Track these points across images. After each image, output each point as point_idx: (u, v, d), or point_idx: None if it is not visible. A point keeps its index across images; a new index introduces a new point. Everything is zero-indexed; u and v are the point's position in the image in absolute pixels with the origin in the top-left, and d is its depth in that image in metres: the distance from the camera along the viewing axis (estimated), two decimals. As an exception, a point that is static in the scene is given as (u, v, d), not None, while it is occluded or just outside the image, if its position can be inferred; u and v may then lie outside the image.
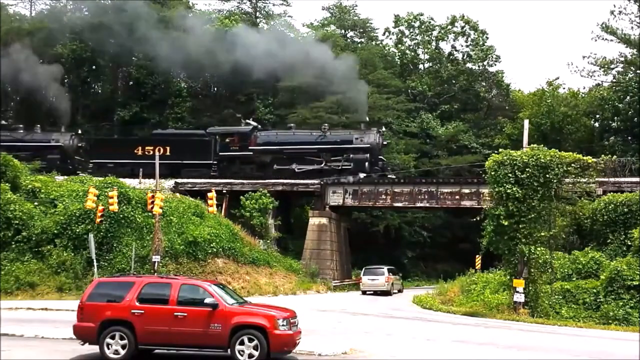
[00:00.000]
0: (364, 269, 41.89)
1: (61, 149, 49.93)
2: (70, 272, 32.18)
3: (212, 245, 35.77)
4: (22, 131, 51.46)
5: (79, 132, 52.59)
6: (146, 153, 47.89)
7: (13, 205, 33.43)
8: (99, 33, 60.70)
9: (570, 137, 56.31)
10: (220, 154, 48.51)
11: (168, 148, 47.90)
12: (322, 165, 46.30)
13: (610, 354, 18.52)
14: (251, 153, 48.10)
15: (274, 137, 48.33)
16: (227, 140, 48.78)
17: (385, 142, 49.22)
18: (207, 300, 14.55)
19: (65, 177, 42.33)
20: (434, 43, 75.69)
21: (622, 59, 53.70)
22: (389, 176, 47.16)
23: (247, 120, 52.37)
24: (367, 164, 45.71)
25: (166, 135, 51.31)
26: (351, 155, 46.02)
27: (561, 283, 29.48)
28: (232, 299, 15.32)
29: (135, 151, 48.77)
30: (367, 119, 52.02)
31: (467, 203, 42.93)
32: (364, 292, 39.99)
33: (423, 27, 75.19)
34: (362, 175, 44.98)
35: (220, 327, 14.34)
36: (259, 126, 51.64)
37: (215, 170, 48.26)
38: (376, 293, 39.27)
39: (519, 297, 27.32)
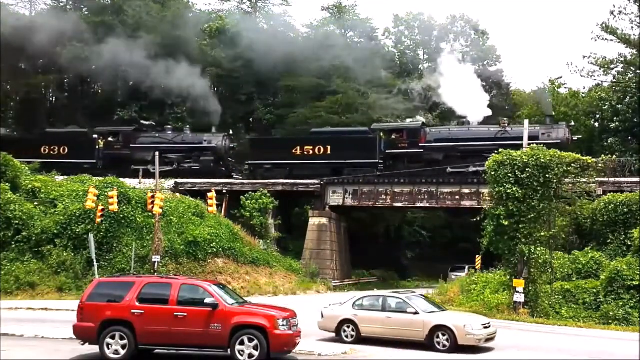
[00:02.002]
0: (451, 267, 45.57)
1: (214, 151, 48.26)
2: (70, 272, 32.18)
3: (212, 245, 35.78)
4: (170, 132, 50.23)
5: (230, 132, 50.96)
6: (305, 153, 46.07)
7: (13, 205, 33.43)
8: (99, 33, 60.70)
9: (570, 137, 56.22)
10: (387, 151, 45.19)
11: (329, 147, 45.45)
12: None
13: (610, 354, 18.53)
14: (421, 150, 44.70)
15: (447, 133, 45.06)
16: (394, 137, 45.91)
17: (574, 138, 44.45)
18: (207, 300, 14.56)
19: (66, 177, 42.29)
20: (434, 43, 75.70)
21: (622, 59, 53.64)
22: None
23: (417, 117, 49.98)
24: None
25: (326, 133, 48.75)
26: None
27: (561, 283, 29.48)
28: (232, 299, 15.33)
29: (293, 151, 46.56)
30: (553, 113, 47.75)
31: (467, 203, 42.89)
32: None
33: (423, 27, 75.23)
34: None
35: (220, 327, 14.35)
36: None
37: (381, 169, 45.20)
38: None
39: (519, 297, 27.32)
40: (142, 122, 53.00)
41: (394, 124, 49.93)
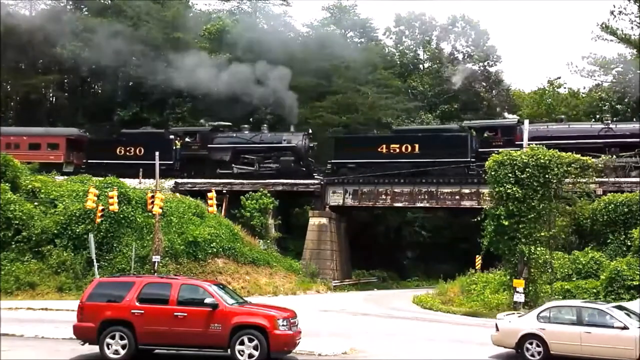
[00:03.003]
0: None
1: (294, 150, 47.16)
2: (70, 272, 32.19)
3: (212, 245, 35.79)
4: (247, 132, 49.33)
5: (309, 131, 49.81)
6: (391, 151, 44.31)
7: (13, 205, 33.44)
8: (99, 33, 60.71)
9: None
10: (480, 150, 42.64)
11: (416, 145, 43.55)
12: (613, 163, 39.25)
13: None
14: (518, 149, 44.51)
15: (545, 131, 42.56)
16: (487, 134, 44.03)
17: None
18: (207, 301, 14.56)
19: (65, 177, 42.32)
20: (434, 43, 75.68)
21: (622, 59, 53.72)
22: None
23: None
24: None
25: (414, 131, 47.38)
26: None
27: (561, 283, 29.47)
28: (232, 299, 15.33)
29: (379, 150, 44.80)
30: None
31: (467, 203, 42.88)
32: None
33: (424, 27, 75.22)
34: None
35: (220, 327, 14.34)
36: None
37: (473, 169, 43.01)
38: None
39: (519, 297, 27.31)
40: (219, 122, 52.18)
41: (487, 121, 47.89)
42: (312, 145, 48.82)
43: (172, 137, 49.50)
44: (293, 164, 46.58)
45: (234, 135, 49.12)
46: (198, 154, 48.65)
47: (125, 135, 51.56)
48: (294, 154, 47.08)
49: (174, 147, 48.71)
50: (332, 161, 46.70)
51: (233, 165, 47.51)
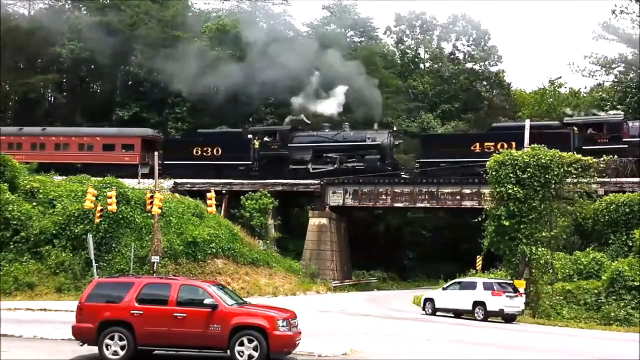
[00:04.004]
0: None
1: (379, 148, 45.48)
2: (69, 272, 32.11)
3: (211, 245, 35.70)
4: (328, 130, 48.06)
5: (395, 129, 48.60)
6: (485, 150, 41.77)
7: (11, 206, 33.37)
8: (98, 32, 60.66)
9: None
10: (584, 148, 39.98)
11: (513, 143, 40.17)
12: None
13: (610, 355, 18.42)
14: (625, 146, 39.92)
15: None
16: (590, 131, 41.84)
17: None
18: (207, 301, 14.45)
19: (64, 177, 42.20)
20: (435, 42, 75.62)
21: (623, 58, 53.67)
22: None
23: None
24: None
25: (510, 128, 44.28)
26: None
27: (562, 284, 29.43)
28: (231, 300, 15.22)
29: (472, 148, 42.83)
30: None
31: (467, 203, 42.80)
32: None
33: (424, 26, 75.17)
34: None
35: (220, 328, 14.24)
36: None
37: None
38: None
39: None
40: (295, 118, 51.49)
41: (591, 117, 45.53)
42: (397, 143, 47.61)
43: (250, 136, 48.48)
44: (379, 162, 45.00)
45: (315, 133, 48.10)
46: (278, 154, 47.55)
47: (202, 135, 50.47)
48: (379, 152, 45.51)
49: (253, 147, 47.76)
50: (421, 160, 45.30)
51: (310, 165, 46.22)
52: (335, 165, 46.03)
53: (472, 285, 27.04)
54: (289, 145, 47.58)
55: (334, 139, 47.03)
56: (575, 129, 42.03)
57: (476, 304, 26.29)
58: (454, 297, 27.27)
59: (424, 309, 28.34)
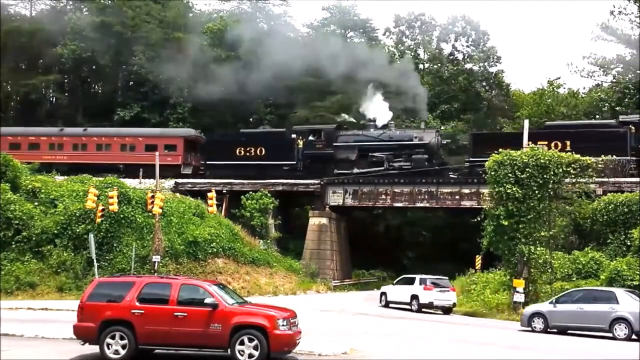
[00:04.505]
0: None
1: (427, 147, 44.95)
2: (70, 272, 32.17)
3: (212, 245, 35.80)
4: (373, 129, 47.60)
5: (441, 128, 47.53)
6: None
7: (13, 205, 33.43)
8: (100, 33, 60.81)
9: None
10: None
11: (567, 142, 39.37)
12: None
13: (610, 355, 18.51)
14: None
15: None
16: None
17: None
18: (207, 301, 14.54)
19: (66, 177, 42.32)
20: (434, 43, 75.63)
21: (622, 59, 53.72)
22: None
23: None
24: None
25: (565, 126, 43.31)
26: None
27: (561, 283, 29.49)
28: (232, 299, 15.31)
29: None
30: None
31: (467, 203, 42.91)
32: None
33: (424, 27, 75.19)
34: None
35: (220, 327, 14.32)
36: None
37: (633, 168, 39.27)
38: None
39: (519, 297, 27.35)
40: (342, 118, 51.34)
41: None
42: (444, 142, 47.02)
43: (293, 136, 48.00)
44: (426, 162, 44.49)
45: (360, 133, 47.59)
46: (323, 153, 46.92)
47: (245, 135, 50.16)
48: (426, 151, 44.93)
49: (297, 147, 47.36)
50: (470, 159, 44.28)
51: (355, 167, 45.48)
52: (384, 166, 45.34)
53: (411, 281, 31.03)
54: (334, 144, 46.96)
55: (379, 138, 46.31)
56: (632, 127, 40.37)
57: (413, 297, 30.27)
58: (399, 291, 31.33)
59: (380, 301, 32.40)
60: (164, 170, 45.29)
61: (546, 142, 38.37)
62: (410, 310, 30.05)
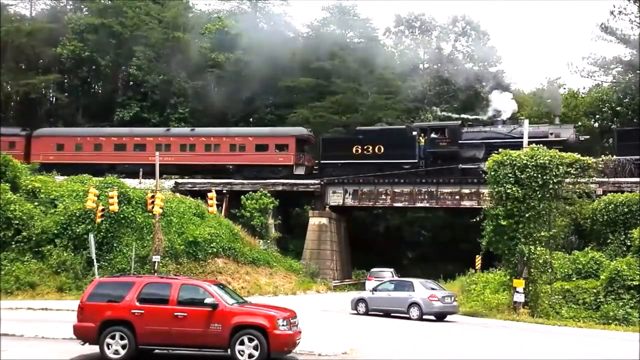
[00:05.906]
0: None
1: (564, 145, 40.38)
2: (70, 272, 32.17)
3: (212, 245, 35.81)
4: (500, 126, 45.06)
5: (577, 124, 44.42)
6: None
7: (13, 205, 33.41)
8: (99, 33, 60.80)
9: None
10: None
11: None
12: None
13: (610, 354, 18.51)
14: None
15: None
16: None
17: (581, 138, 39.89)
18: (207, 300, 14.54)
19: (66, 177, 42.28)
20: (434, 43, 75.65)
21: (622, 59, 53.69)
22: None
23: None
24: None
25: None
26: None
27: (561, 283, 29.48)
28: (232, 299, 15.31)
29: None
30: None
31: (467, 203, 42.92)
32: None
33: (424, 27, 75.20)
34: None
35: (220, 327, 14.32)
36: None
37: None
38: None
39: (519, 297, 27.32)
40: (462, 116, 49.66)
41: None
42: (582, 139, 43.57)
43: (414, 133, 46.31)
44: None
45: (487, 129, 45.31)
46: (447, 151, 45.11)
47: (362, 132, 48.30)
48: (564, 148, 41.65)
49: (418, 144, 45.79)
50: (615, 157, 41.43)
51: (481, 164, 42.36)
52: None
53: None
54: (459, 142, 44.88)
55: (510, 134, 43.11)
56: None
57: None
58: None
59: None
60: (274, 171, 44.68)
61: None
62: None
